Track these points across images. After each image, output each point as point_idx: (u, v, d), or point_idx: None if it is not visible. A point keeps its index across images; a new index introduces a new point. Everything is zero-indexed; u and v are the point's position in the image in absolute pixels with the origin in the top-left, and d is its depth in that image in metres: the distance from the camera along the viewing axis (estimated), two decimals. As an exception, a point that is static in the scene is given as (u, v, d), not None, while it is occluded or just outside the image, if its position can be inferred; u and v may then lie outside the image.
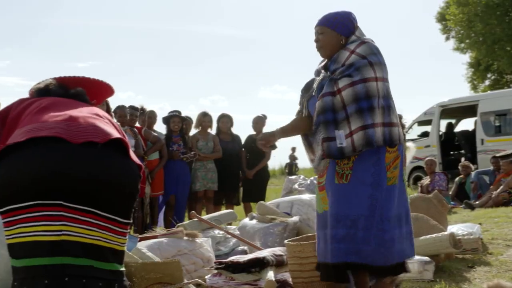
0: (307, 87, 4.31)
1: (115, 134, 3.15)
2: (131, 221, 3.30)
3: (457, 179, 13.31)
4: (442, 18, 30.53)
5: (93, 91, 3.63)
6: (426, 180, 12.51)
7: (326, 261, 3.90)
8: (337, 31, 4.07)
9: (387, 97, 3.92)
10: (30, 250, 2.92)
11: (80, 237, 2.98)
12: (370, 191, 3.80)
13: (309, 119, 4.25)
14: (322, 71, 4.16)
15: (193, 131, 9.76)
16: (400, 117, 11.04)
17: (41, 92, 3.47)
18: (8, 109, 3.37)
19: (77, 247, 2.97)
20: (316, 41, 4.12)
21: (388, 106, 3.89)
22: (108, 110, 5.49)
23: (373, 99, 3.81)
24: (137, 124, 8.72)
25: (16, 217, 2.93)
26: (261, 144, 4.23)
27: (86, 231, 2.99)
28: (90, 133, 3.06)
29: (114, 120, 3.52)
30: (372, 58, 3.91)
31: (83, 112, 3.23)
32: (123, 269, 3.19)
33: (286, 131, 4.28)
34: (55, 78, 3.57)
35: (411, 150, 11.85)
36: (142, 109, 9.04)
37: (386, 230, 3.78)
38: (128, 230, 3.27)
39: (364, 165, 3.85)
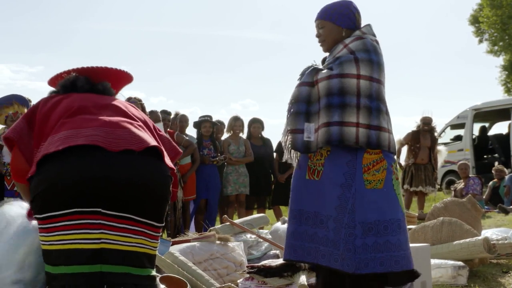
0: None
1: (151, 142, 3.17)
2: (164, 224, 3.32)
3: (490, 183, 13.16)
4: (475, 20, 30.22)
5: (113, 80, 3.59)
6: (460, 184, 12.40)
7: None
8: (337, 24, 3.83)
9: (377, 99, 3.65)
10: (69, 258, 2.95)
11: (118, 244, 3.01)
12: (340, 191, 3.56)
13: None
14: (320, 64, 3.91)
15: (224, 135, 9.80)
16: (430, 120, 11.06)
17: (68, 89, 3.41)
18: (33, 110, 3.33)
19: (116, 254, 3.00)
20: (318, 36, 3.91)
21: (376, 108, 3.63)
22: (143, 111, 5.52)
23: (348, 96, 3.58)
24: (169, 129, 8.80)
25: (55, 224, 2.96)
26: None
27: (123, 238, 3.02)
28: (127, 140, 3.08)
29: (144, 116, 3.49)
30: (361, 54, 3.66)
31: (116, 114, 3.24)
32: (154, 273, 3.22)
33: None
34: (76, 70, 3.48)
35: (442, 153, 11.86)
36: (177, 115, 9.16)
37: (357, 236, 3.51)
38: (160, 234, 3.29)
39: (336, 163, 3.61)
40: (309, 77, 3.71)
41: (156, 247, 3.22)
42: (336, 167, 3.62)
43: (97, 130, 3.06)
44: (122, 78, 3.65)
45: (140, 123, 3.31)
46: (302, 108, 3.67)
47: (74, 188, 2.93)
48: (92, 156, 2.98)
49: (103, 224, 2.97)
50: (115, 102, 3.37)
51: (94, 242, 2.96)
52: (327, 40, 3.87)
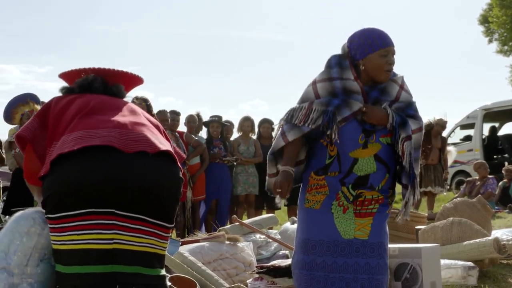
0: (340, 107, 3.46)
1: (164, 145, 3.19)
2: (174, 224, 3.33)
3: (500, 183, 13.10)
4: (484, 20, 30.12)
5: (126, 83, 3.61)
6: (471, 183, 12.40)
7: None
8: None
9: None
10: (82, 258, 2.94)
11: (130, 245, 3.02)
12: None
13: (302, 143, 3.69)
14: (358, 95, 3.50)
15: (235, 136, 9.84)
16: (444, 124, 11.06)
17: (84, 89, 3.39)
18: (46, 109, 3.32)
19: (127, 254, 3.00)
20: (391, 63, 3.50)
21: None
22: (150, 112, 5.53)
23: None
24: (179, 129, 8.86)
25: (68, 224, 2.95)
26: (281, 193, 3.58)
27: (136, 238, 3.03)
28: (141, 142, 3.09)
29: (155, 121, 3.52)
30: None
31: (129, 117, 3.25)
32: (164, 272, 3.23)
33: (292, 162, 3.66)
34: (92, 70, 3.46)
35: (452, 154, 11.86)
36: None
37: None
38: (170, 234, 3.30)
39: None
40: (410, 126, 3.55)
41: (165, 248, 3.24)
42: None
43: (111, 131, 3.07)
44: (134, 81, 3.67)
45: (152, 126, 3.33)
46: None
47: (89, 189, 2.94)
48: (107, 157, 2.99)
49: (117, 224, 2.98)
50: (127, 106, 3.39)
51: (107, 242, 2.97)
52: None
